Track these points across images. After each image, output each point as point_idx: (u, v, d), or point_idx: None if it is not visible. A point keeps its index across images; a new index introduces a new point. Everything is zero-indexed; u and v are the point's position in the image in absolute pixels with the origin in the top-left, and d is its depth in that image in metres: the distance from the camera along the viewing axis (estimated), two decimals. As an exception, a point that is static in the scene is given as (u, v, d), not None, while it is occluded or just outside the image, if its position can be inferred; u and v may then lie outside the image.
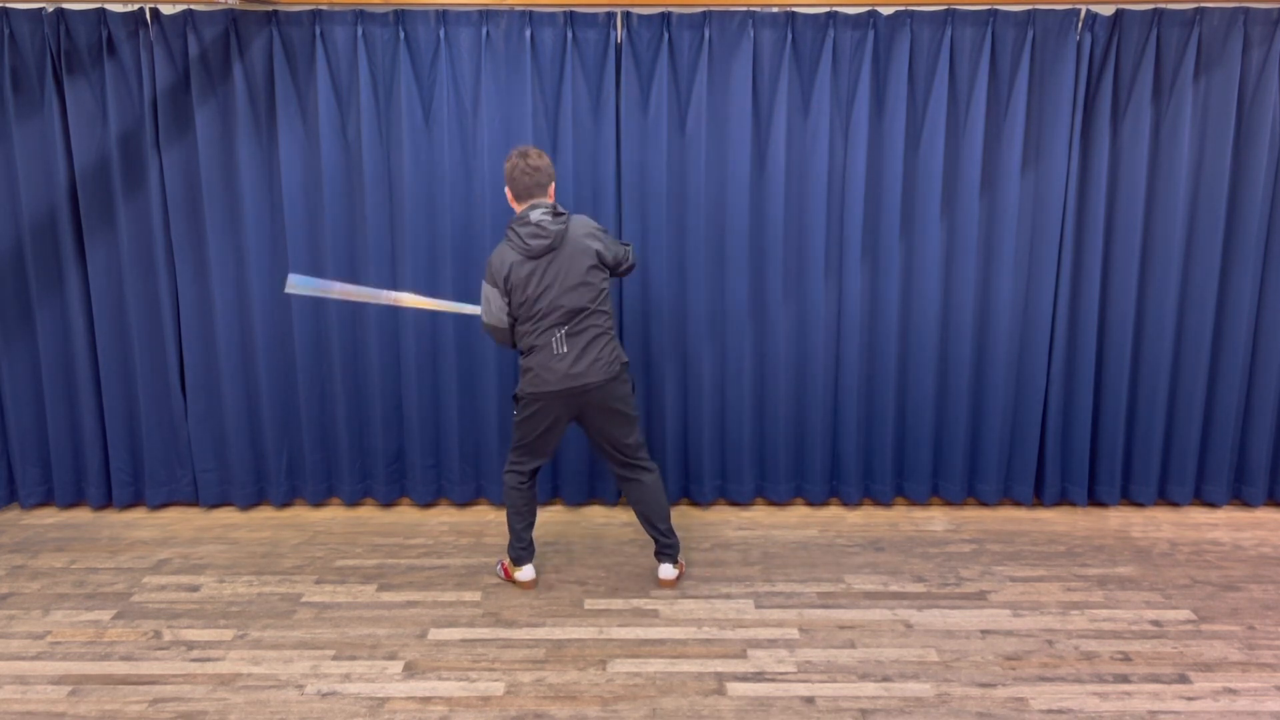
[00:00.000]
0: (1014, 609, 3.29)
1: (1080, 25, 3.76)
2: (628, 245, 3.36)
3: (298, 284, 3.54)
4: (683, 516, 4.12)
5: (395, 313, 4.02)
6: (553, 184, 3.22)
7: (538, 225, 3.11)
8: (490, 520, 4.10)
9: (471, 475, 4.21)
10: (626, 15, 3.76)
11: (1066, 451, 4.15)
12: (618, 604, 3.33)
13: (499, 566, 3.56)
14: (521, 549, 3.43)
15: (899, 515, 4.14)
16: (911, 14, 3.75)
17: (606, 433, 3.31)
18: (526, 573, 3.43)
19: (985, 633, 3.14)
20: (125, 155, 3.86)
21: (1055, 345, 4.03)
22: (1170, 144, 3.86)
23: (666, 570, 3.45)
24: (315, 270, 3.97)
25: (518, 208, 3.20)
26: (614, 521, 4.05)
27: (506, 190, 3.21)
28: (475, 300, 3.66)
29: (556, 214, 3.15)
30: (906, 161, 3.88)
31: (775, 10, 3.76)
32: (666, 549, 3.44)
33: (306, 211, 3.93)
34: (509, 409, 4.09)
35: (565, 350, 3.16)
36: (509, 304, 3.18)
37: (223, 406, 4.10)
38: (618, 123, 3.85)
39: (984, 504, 4.23)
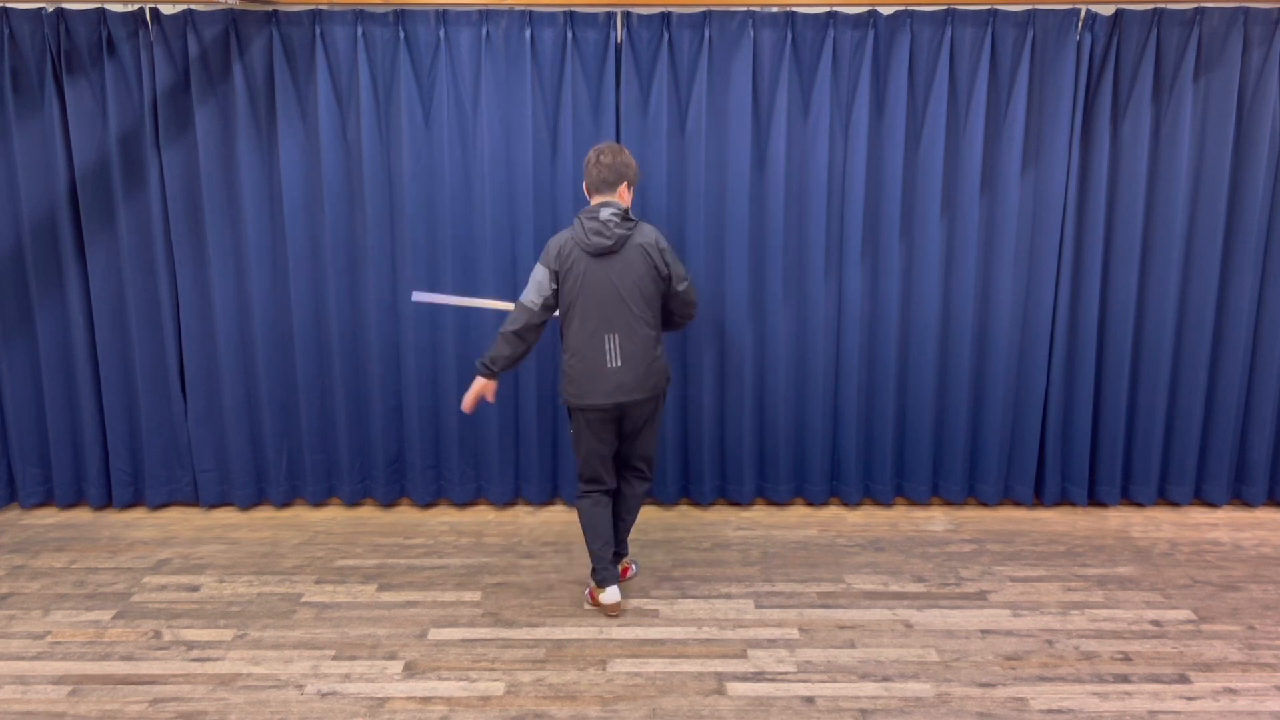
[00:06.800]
0: (1014, 609, 3.29)
1: (1080, 25, 3.76)
2: (688, 280, 3.27)
3: (419, 298, 3.71)
4: (683, 516, 4.12)
5: (395, 312, 4.02)
6: (625, 186, 3.14)
7: (603, 224, 3.07)
8: (490, 520, 4.10)
9: (471, 475, 4.21)
10: (626, 15, 3.76)
11: (1066, 451, 4.15)
12: (618, 604, 3.34)
13: (587, 593, 3.38)
14: (605, 573, 3.26)
15: (899, 515, 4.14)
16: (911, 14, 3.75)
17: (634, 441, 3.30)
18: (611, 594, 3.25)
19: (985, 633, 3.14)
20: (125, 155, 3.86)
21: (1055, 345, 4.03)
22: (1170, 144, 3.86)
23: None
24: (314, 268, 3.98)
25: (592, 201, 3.17)
26: (614, 521, 4.04)
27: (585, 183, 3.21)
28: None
29: (625, 218, 3.11)
30: (906, 161, 3.88)
31: (775, 10, 3.76)
32: (619, 557, 3.44)
33: (306, 211, 3.93)
34: (509, 409, 4.11)
35: (619, 363, 3.11)
36: (555, 290, 3.14)
37: (223, 406, 4.10)
38: (618, 123, 3.85)
39: (984, 504, 4.23)
